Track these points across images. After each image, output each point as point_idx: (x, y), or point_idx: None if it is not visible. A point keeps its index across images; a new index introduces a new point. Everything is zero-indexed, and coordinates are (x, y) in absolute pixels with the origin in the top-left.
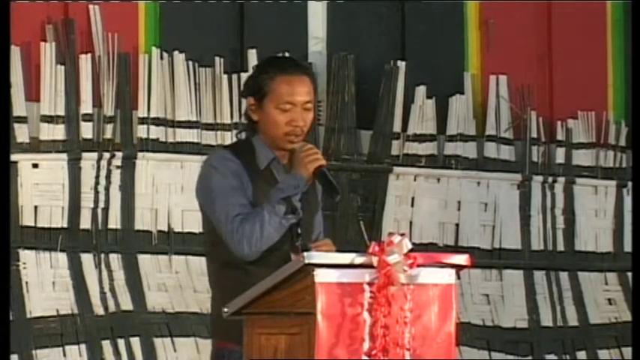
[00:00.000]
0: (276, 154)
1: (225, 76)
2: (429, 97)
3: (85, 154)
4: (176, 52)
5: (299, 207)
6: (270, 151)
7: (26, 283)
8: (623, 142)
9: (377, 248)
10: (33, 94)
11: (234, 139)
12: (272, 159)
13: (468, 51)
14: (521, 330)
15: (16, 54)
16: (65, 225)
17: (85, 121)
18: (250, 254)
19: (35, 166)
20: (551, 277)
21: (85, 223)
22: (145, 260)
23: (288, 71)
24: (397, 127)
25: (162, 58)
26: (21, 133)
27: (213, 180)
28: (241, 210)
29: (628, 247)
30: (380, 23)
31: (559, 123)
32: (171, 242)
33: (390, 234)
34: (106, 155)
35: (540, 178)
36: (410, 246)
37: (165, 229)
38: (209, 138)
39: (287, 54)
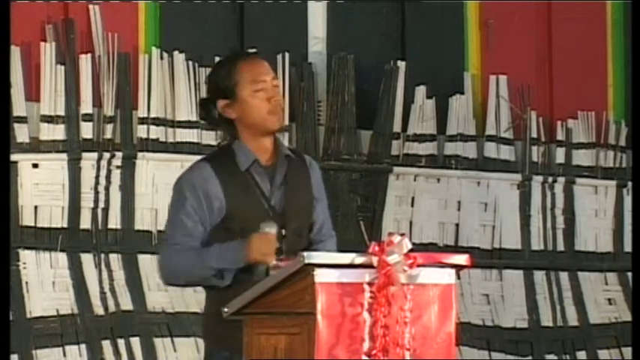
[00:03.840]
0: (258, 157)
1: None
2: (429, 97)
3: (85, 154)
4: (176, 52)
5: (231, 277)
6: (252, 153)
7: (26, 283)
8: (623, 142)
9: (377, 248)
10: (33, 94)
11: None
12: (253, 161)
13: (468, 51)
14: (521, 330)
15: (16, 54)
16: (65, 225)
17: (85, 121)
18: (167, 282)
19: (35, 166)
20: (551, 277)
21: (85, 223)
22: (145, 260)
23: (244, 58)
24: (397, 127)
25: (162, 58)
26: (21, 133)
27: (172, 202)
28: (182, 240)
29: (628, 247)
30: (380, 23)
31: (559, 123)
32: None
33: (390, 234)
34: (106, 155)
35: (540, 178)
36: (410, 246)
37: None
38: (209, 138)
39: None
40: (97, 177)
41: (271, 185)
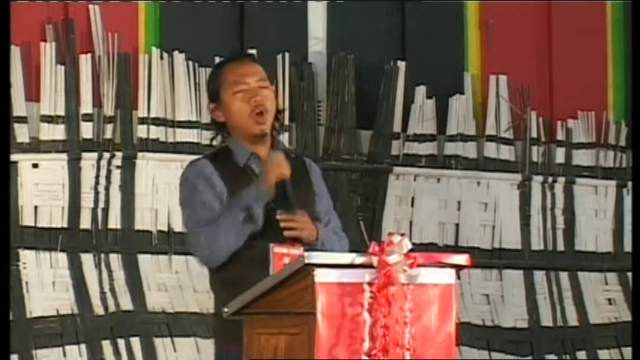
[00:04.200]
0: (254, 151)
1: None
2: (429, 97)
3: (85, 154)
4: (176, 52)
5: (261, 215)
6: (248, 148)
7: (26, 283)
8: (623, 142)
9: (377, 248)
10: (33, 94)
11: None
12: (250, 155)
13: (468, 51)
14: (521, 330)
15: (16, 54)
16: (65, 225)
17: (85, 121)
18: (211, 261)
19: (35, 166)
20: (551, 277)
21: (85, 223)
22: (145, 260)
23: (233, 61)
24: (397, 127)
25: (162, 58)
26: (21, 133)
27: (183, 191)
28: (208, 216)
29: (628, 247)
30: (380, 23)
31: (559, 123)
32: (171, 242)
33: (390, 234)
34: (106, 155)
35: (540, 178)
36: (410, 246)
37: (166, 229)
38: (209, 138)
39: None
40: (97, 177)
41: None
